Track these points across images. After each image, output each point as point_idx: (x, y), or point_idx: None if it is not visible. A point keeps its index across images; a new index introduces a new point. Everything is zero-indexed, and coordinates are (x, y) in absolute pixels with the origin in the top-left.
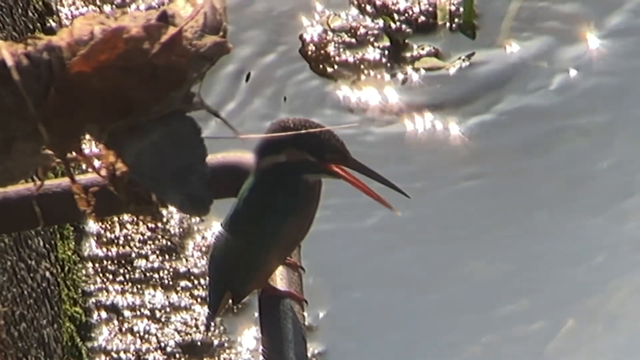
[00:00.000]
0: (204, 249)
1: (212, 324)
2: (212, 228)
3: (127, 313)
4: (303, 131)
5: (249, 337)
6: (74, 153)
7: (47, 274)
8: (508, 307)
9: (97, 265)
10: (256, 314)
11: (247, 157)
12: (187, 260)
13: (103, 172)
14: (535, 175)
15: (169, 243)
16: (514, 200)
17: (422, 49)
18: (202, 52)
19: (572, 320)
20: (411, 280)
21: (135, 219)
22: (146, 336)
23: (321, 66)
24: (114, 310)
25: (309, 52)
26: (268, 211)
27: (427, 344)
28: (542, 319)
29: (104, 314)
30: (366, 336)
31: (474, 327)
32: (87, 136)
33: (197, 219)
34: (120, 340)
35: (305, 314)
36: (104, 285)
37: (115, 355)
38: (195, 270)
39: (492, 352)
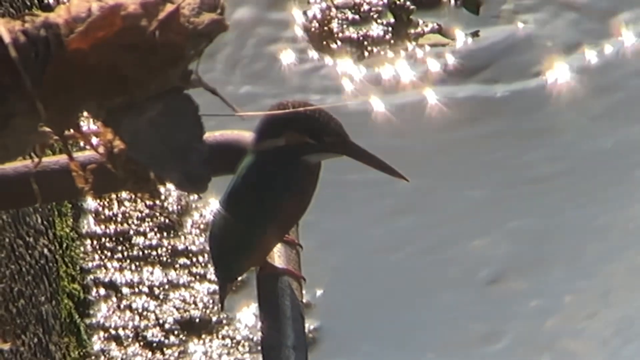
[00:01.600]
0: (202, 226)
1: (224, 302)
2: (210, 205)
3: (125, 290)
4: (301, 109)
5: (248, 314)
6: (71, 130)
7: (45, 250)
8: (508, 283)
9: (95, 242)
10: (254, 291)
11: (245, 135)
12: (185, 237)
13: (101, 150)
14: (536, 153)
15: (167, 220)
16: (516, 177)
17: (426, 25)
18: (199, 30)
19: (572, 296)
20: (409, 258)
21: (133, 196)
22: (144, 313)
23: (324, 43)
24: (112, 287)
25: (312, 29)
26: (266, 189)
27: (424, 321)
28: (542, 296)
29: (102, 291)
30: (362, 313)
31: (475, 303)
32: (85, 113)
33: (195, 196)
34: (119, 317)
35: (303, 291)
36: (102, 263)
37: (113, 332)
38: (194, 248)
39: (490, 328)
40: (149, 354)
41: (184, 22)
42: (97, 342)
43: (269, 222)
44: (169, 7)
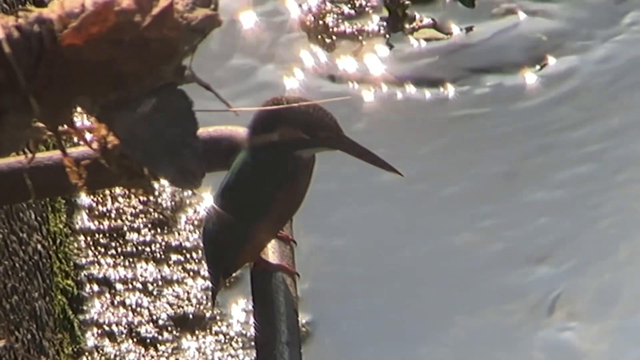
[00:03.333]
0: (196, 222)
1: (216, 298)
2: (204, 201)
3: (119, 286)
4: (295, 105)
5: (241, 310)
6: (65, 126)
7: (39, 246)
8: (498, 277)
9: (89, 238)
10: (248, 287)
11: (239, 130)
12: (179, 233)
13: (95, 145)
14: (528, 145)
15: (160, 216)
16: (507, 170)
17: (421, 20)
18: (193, 25)
19: (566, 287)
20: (404, 253)
21: (127, 192)
22: (138, 309)
23: (320, 37)
24: (106, 283)
25: (308, 23)
26: (260, 184)
27: (416, 317)
28: (536, 288)
29: (96, 287)
30: (355, 306)
31: (466, 301)
32: (79, 109)
33: (189, 192)
34: (112, 313)
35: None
36: (95, 259)
37: (107, 328)
38: (187, 244)
39: (483, 323)
40: (143, 350)
41: (177, 18)
42: (90, 338)
43: (263, 217)
44: (163, 3)
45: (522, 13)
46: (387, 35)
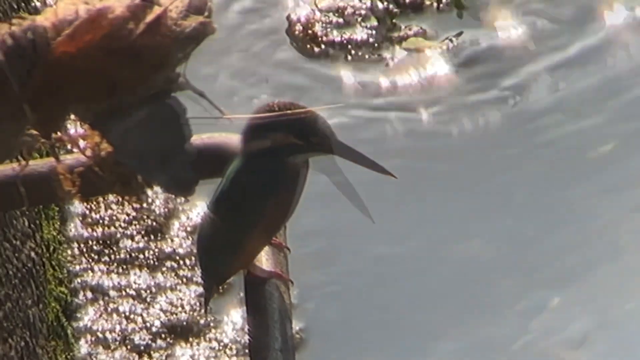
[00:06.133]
0: (189, 229)
1: (209, 305)
2: (197, 209)
3: (112, 293)
4: (288, 112)
5: (235, 317)
6: (58, 133)
7: (32, 254)
8: (495, 286)
9: (82, 245)
10: (242, 294)
11: (233, 137)
12: (172, 240)
13: (88, 153)
14: (520, 155)
15: (154, 224)
16: (500, 180)
17: (410, 29)
18: (187, 33)
19: (559, 298)
20: (399, 258)
21: (120, 199)
22: (132, 316)
23: (308, 46)
24: (99, 290)
25: (296, 32)
26: (253, 191)
27: (412, 326)
28: (528, 297)
29: (89, 294)
30: (349, 312)
31: (464, 311)
32: (72, 116)
33: (182, 199)
34: (106, 321)
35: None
36: (89, 266)
37: (100, 335)
38: (181, 251)
39: (476, 332)
40: (136, 358)
41: (171, 25)
42: (84, 346)
43: (256, 224)
44: (156, 10)
45: (512, 19)
46: (376, 45)
